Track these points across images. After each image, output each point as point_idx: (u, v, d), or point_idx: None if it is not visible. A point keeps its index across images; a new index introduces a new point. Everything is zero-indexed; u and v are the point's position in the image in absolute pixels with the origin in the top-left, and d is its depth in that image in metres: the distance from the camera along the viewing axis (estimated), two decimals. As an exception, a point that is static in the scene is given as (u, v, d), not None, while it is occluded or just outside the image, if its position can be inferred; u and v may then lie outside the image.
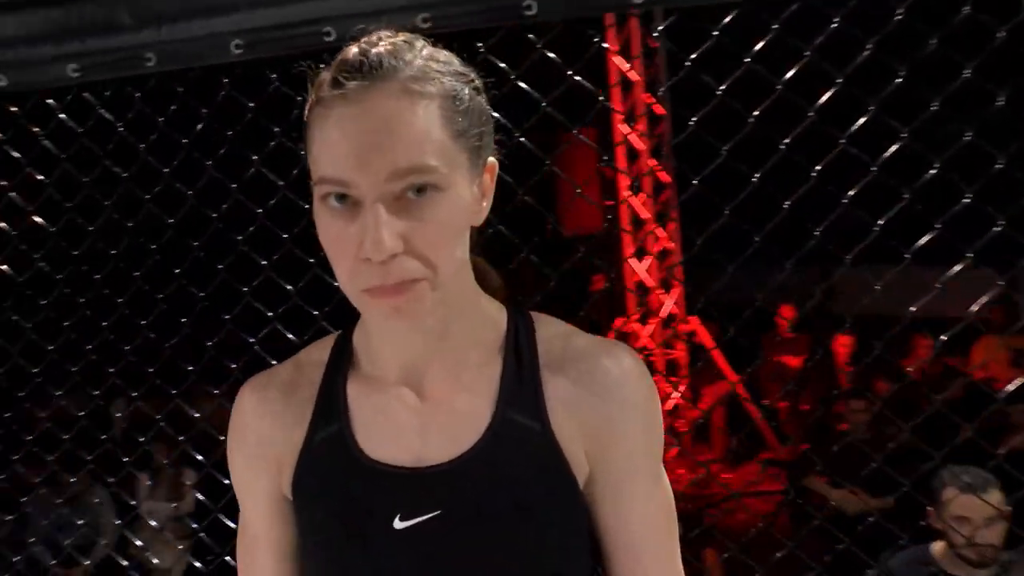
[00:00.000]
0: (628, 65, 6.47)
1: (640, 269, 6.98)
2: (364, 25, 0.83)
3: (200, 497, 2.26)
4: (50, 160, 1.66)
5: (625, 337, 7.07)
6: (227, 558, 1.73)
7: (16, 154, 1.67)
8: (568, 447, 0.87)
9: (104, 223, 1.69)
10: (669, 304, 7.01)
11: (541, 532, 0.86)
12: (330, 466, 0.89)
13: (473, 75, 0.84)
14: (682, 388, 6.83)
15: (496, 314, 0.93)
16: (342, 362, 0.93)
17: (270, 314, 1.54)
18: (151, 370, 1.82)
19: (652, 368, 5.77)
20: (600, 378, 0.88)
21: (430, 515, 0.84)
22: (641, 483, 0.90)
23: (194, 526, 3.66)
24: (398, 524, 0.85)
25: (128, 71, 1.50)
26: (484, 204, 0.86)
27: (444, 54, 0.83)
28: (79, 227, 1.66)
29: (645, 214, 6.98)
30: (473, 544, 0.85)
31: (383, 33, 0.81)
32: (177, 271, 1.63)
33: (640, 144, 6.92)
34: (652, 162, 6.93)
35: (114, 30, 1.48)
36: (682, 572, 0.95)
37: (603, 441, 0.88)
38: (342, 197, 0.76)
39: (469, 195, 0.81)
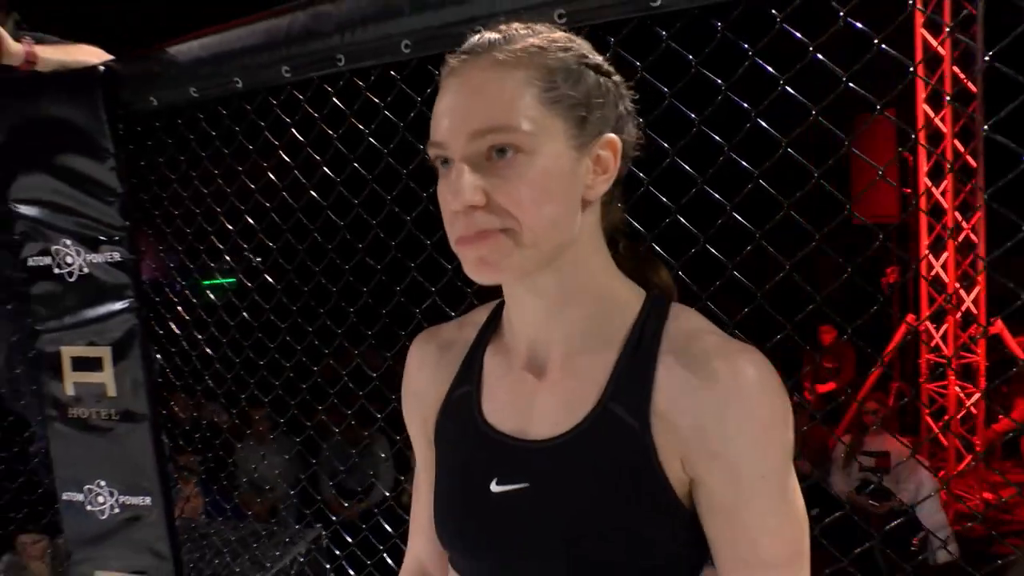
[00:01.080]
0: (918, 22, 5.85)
1: (937, 263, 6.36)
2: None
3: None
4: (267, 150, 1.99)
5: (916, 336, 6.51)
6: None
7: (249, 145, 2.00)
8: (663, 451, 0.84)
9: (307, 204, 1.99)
10: (968, 302, 6.31)
11: (624, 527, 0.84)
12: (457, 423, 0.97)
13: (597, 59, 0.88)
14: (975, 396, 6.13)
15: (629, 300, 0.92)
16: (491, 327, 1.00)
17: (432, 288, 1.72)
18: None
19: (943, 373, 5.26)
20: (711, 385, 0.82)
21: (520, 486, 0.89)
22: (752, 507, 0.83)
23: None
24: (494, 487, 0.90)
25: (325, 70, 1.75)
26: (600, 179, 0.87)
27: (565, 38, 0.87)
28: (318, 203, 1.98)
29: (946, 203, 6.33)
30: (554, 523, 0.86)
31: (516, 24, 0.87)
32: (360, 245, 1.87)
33: (944, 126, 6.27)
34: (957, 144, 6.24)
35: (314, 36, 1.73)
36: None
37: (702, 451, 0.83)
38: (445, 161, 0.84)
39: (567, 162, 0.83)
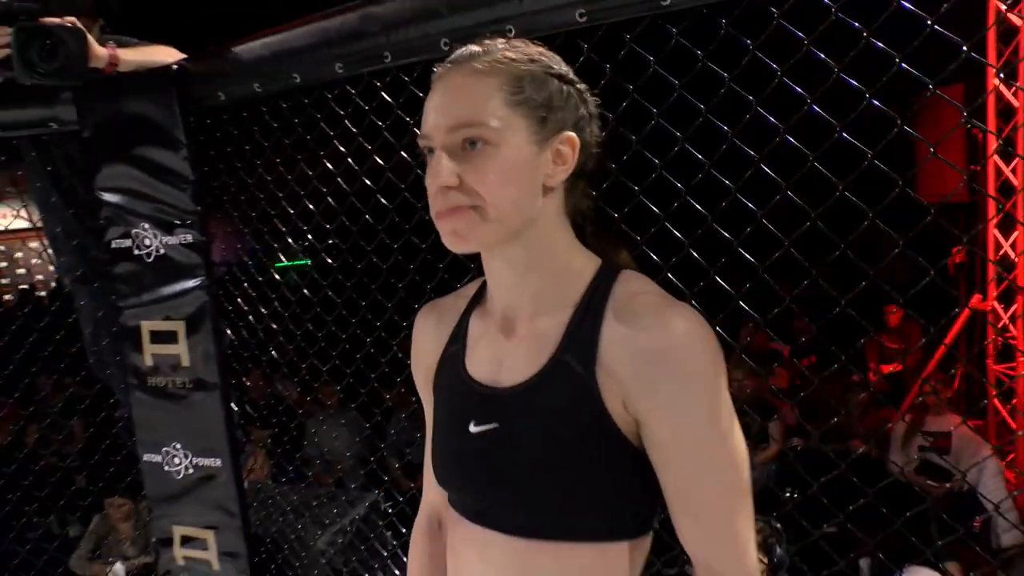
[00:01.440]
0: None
1: (1004, 241, 6.23)
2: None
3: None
4: (323, 140, 2.17)
5: (982, 316, 6.40)
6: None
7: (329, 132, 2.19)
8: (607, 395, 0.97)
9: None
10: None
11: (577, 461, 0.98)
12: (448, 376, 1.16)
13: (562, 70, 1.04)
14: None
15: (585, 269, 1.06)
16: (479, 297, 1.18)
17: (471, 265, 1.87)
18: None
19: (1011, 353, 5.18)
20: (644, 336, 0.95)
21: (491, 426, 1.05)
22: (685, 444, 0.95)
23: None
24: (472, 428, 1.07)
25: (374, 66, 1.91)
26: (559, 169, 1.02)
27: (536, 52, 1.03)
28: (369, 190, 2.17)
29: (1016, 180, 6.18)
30: (518, 457, 1.02)
31: (499, 39, 1.04)
32: (406, 226, 2.04)
33: (1016, 100, 6.11)
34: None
35: (363, 36, 1.88)
36: (742, 549, 0.96)
37: (640, 397, 0.95)
38: (431, 150, 1.00)
39: (528, 154, 0.98)
